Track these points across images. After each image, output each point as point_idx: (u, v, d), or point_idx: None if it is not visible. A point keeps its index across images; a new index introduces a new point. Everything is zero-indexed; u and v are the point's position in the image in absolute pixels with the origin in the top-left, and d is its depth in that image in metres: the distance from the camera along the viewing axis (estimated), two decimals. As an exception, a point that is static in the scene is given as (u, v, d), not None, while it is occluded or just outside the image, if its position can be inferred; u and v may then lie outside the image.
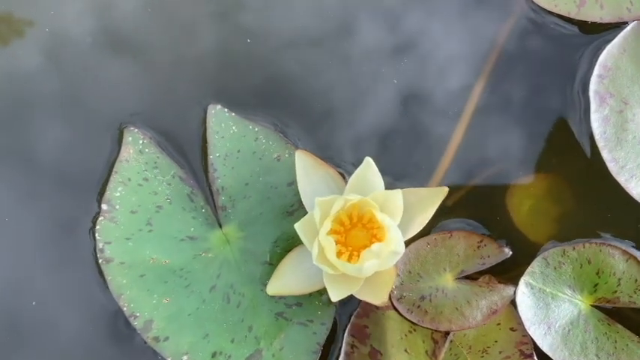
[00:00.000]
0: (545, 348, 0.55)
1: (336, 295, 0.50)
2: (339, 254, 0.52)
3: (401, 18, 0.64)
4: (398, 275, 0.57)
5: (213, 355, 0.56)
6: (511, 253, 0.57)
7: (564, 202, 0.61)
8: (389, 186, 0.55)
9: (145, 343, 0.56)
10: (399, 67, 0.62)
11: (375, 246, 0.50)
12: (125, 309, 0.56)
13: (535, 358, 0.55)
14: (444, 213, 0.60)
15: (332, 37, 0.62)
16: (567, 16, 0.60)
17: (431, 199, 0.54)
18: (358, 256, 0.52)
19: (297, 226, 0.51)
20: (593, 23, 0.59)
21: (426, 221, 0.54)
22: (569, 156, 0.61)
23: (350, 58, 0.62)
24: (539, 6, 0.60)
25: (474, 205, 0.61)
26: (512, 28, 0.62)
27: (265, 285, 0.56)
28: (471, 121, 0.61)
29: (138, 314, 0.57)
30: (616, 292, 0.56)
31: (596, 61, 0.59)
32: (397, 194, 0.51)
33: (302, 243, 0.55)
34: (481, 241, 0.57)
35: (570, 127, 0.61)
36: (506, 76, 0.61)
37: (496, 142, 0.62)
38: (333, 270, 0.52)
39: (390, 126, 0.61)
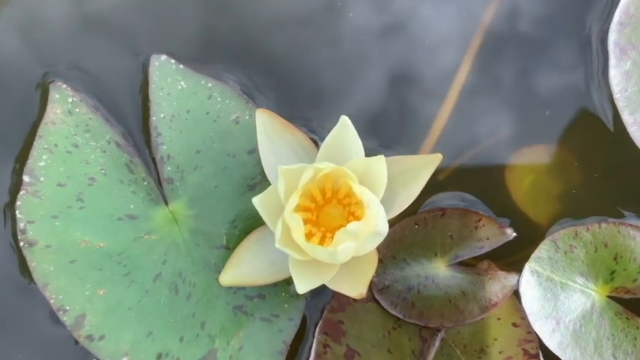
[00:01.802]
0: (553, 346, 0.47)
1: (303, 286, 0.41)
2: (308, 236, 0.43)
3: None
4: (380, 262, 0.48)
5: (159, 356, 0.47)
6: (515, 234, 0.49)
7: (571, 177, 0.53)
8: (370, 153, 0.46)
9: (77, 343, 0.47)
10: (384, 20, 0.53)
11: (352, 225, 0.41)
12: (52, 301, 0.47)
13: (541, 358, 0.48)
14: (434, 188, 0.51)
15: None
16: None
17: (420, 169, 0.45)
18: (332, 237, 0.43)
19: (255, 200, 0.42)
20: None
21: (415, 196, 0.45)
22: (579, 123, 0.53)
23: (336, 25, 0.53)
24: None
25: (469, 181, 0.52)
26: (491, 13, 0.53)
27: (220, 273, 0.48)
28: (467, 80, 0.53)
29: (68, 308, 0.47)
30: (637, 280, 0.48)
31: (616, 6, 0.50)
32: (380, 162, 0.42)
33: (264, 223, 0.46)
34: (479, 221, 0.48)
35: (581, 88, 0.53)
36: (515, 23, 0.52)
37: (494, 110, 0.53)
38: (300, 255, 0.43)
39: (375, 89, 0.52)
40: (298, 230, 0.41)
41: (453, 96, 0.52)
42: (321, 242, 0.44)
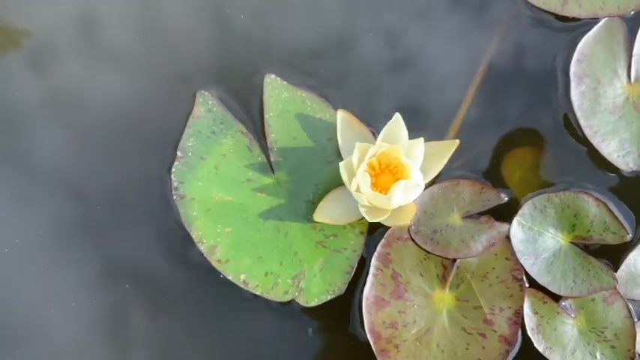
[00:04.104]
0: (533, 274, 0.69)
1: (370, 218, 0.64)
2: (372, 189, 0.65)
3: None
4: (415, 214, 0.70)
5: (266, 274, 0.69)
6: (507, 198, 0.71)
7: (547, 172, 0.75)
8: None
9: (210, 264, 0.69)
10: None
11: (401, 182, 0.64)
12: (194, 236, 0.69)
13: (525, 281, 0.69)
14: (451, 172, 0.74)
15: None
16: (553, 12, 0.74)
17: (444, 150, 0.68)
18: (385, 194, 0.65)
19: (341, 165, 0.65)
20: (573, 18, 0.74)
21: (439, 169, 0.68)
22: (551, 129, 0.75)
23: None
24: (532, 4, 0.75)
25: (475, 171, 0.74)
26: (509, 20, 0.76)
27: (308, 219, 0.69)
28: (474, 95, 0.75)
29: (204, 240, 0.69)
30: (589, 231, 0.70)
31: (575, 48, 0.73)
32: (419, 142, 0.65)
33: (338, 187, 0.68)
34: (482, 188, 0.71)
35: (552, 105, 0.75)
36: (504, 57, 0.76)
37: (494, 116, 0.76)
38: (367, 201, 0.65)
39: (409, 92, 0.75)
40: (366, 183, 0.64)
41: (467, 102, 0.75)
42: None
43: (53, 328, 0.70)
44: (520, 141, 0.75)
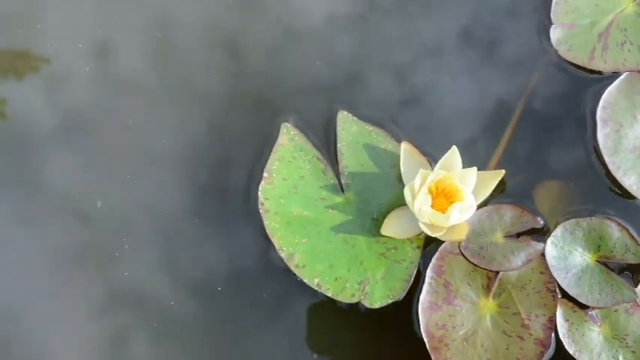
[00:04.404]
0: (564, 286, 0.80)
1: (430, 233, 0.76)
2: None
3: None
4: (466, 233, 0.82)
5: (336, 279, 0.80)
6: (542, 222, 0.83)
7: (575, 201, 0.87)
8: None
9: (289, 269, 0.80)
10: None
11: (457, 203, 0.76)
12: (276, 244, 0.81)
13: (557, 292, 0.80)
14: (494, 198, 0.86)
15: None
16: (581, 65, 0.88)
17: (491, 179, 0.80)
18: (444, 214, 0.77)
19: (406, 188, 0.77)
20: (599, 71, 0.88)
21: (487, 194, 0.80)
22: (579, 164, 0.87)
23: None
24: (563, 57, 0.88)
25: (513, 198, 0.86)
26: (543, 69, 0.89)
27: (372, 234, 0.81)
28: (512, 133, 0.87)
29: (284, 248, 0.81)
30: (612, 251, 0.81)
31: (601, 96, 0.86)
32: (472, 171, 0.78)
33: (398, 207, 0.80)
34: (522, 212, 0.83)
35: (580, 144, 0.88)
36: (539, 101, 0.88)
37: (529, 151, 0.88)
38: (427, 219, 0.77)
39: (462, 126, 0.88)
40: (427, 203, 0.76)
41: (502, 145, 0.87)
42: (436, 215, 0.78)
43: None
44: (552, 173, 0.87)
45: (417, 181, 0.78)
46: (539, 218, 0.83)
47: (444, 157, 0.80)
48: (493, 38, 0.92)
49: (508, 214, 0.83)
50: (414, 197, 0.78)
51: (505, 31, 0.92)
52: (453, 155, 0.79)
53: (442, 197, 0.79)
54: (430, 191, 0.79)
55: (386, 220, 0.80)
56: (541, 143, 0.88)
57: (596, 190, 0.86)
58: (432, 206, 0.78)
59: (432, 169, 0.81)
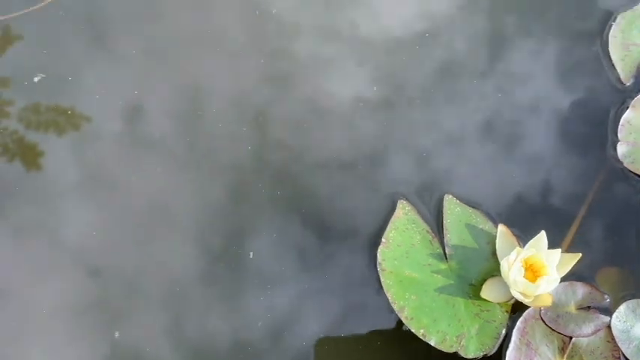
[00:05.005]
0: (627, 355, 0.97)
1: (519, 298, 0.93)
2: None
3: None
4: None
5: (438, 331, 0.97)
6: (609, 300, 1.00)
7: (631, 286, 1.04)
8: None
9: (401, 321, 0.97)
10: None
11: (545, 277, 0.93)
12: (390, 298, 0.98)
13: (622, 358, 0.96)
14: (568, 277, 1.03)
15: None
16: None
17: (569, 259, 0.97)
18: (534, 284, 0.95)
19: (502, 262, 0.95)
20: (658, 182, 1.08)
21: (566, 272, 0.98)
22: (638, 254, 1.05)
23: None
24: (625, 166, 1.08)
25: (581, 276, 1.04)
26: (606, 173, 1.09)
27: (469, 297, 0.99)
28: (580, 223, 1.06)
29: (396, 302, 0.98)
30: None
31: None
32: (557, 252, 0.95)
33: (492, 277, 0.98)
34: (592, 290, 1.00)
35: None
36: (603, 200, 1.08)
37: (595, 239, 1.06)
38: (519, 288, 0.94)
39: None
40: (520, 273, 0.93)
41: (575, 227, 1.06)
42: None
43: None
44: (612, 259, 1.05)
45: (512, 256, 0.96)
46: (606, 296, 1.01)
47: (533, 239, 0.99)
48: (576, 150, 1.12)
49: (580, 291, 1.01)
50: (509, 269, 0.96)
51: (584, 145, 1.12)
52: (541, 238, 0.98)
53: (530, 271, 0.97)
54: (522, 265, 0.97)
55: (484, 287, 0.98)
56: (606, 234, 1.07)
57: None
58: (523, 277, 0.96)
59: (522, 247, 1.00)
